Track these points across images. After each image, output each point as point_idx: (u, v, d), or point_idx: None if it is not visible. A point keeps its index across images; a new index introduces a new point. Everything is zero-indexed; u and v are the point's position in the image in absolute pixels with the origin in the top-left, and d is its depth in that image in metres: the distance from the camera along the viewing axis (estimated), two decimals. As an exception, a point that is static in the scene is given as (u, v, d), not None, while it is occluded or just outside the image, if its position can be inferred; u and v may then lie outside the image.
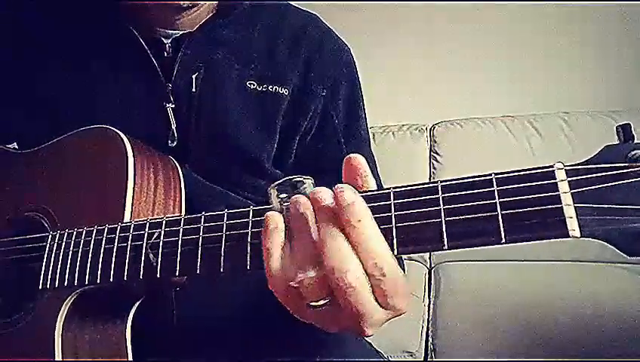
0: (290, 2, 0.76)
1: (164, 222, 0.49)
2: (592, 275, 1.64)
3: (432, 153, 2.10)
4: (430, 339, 1.43)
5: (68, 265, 0.54)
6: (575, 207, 0.34)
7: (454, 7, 2.23)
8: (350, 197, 0.37)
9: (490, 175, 0.37)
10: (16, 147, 0.73)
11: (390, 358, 1.39)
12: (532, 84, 2.19)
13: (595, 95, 2.14)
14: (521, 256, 1.81)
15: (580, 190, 0.35)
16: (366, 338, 0.71)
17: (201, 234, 0.46)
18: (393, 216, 0.39)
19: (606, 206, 0.34)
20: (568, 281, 1.60)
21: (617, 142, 0.36)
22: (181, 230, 0.47)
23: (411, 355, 1.41)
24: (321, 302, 0.39)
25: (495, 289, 1.58)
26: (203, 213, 0.47)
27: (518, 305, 1.45)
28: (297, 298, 0.39)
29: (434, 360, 1.38)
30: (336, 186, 0.38)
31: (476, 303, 1.51)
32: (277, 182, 0.40)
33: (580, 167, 0.35)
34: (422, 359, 1.41)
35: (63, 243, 0.55)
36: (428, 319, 1.52)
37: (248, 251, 0.43)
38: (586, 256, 1.76)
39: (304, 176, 0.40)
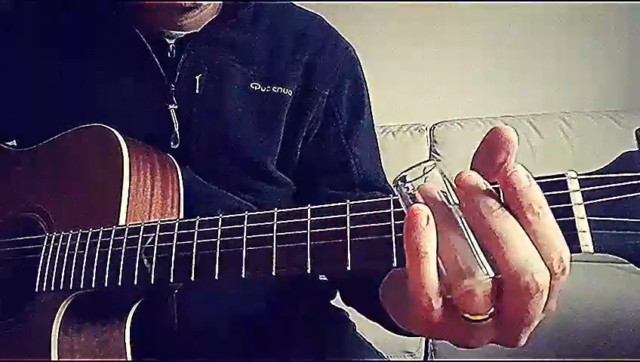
0: (294, 2, 0.76)
1: (158, 226, 0.48)
2: (592, 275, 1.64)
3: (432, 153, 2.10)
4: (430, 339, 1.43)
5: (63, 269, 0.53)
6: (588, 220, 0.31)
7: (455, 8, 2.23)
8: (526, 179, 0.30)
9: (496, 183, 0.33)
10: (15, 144, 0.73)
11: (390, 358, 1.39)
12: (532, 84, 2.19)
13: (595, 95, 2.14)
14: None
15: (594, 201, 0.31)
16: (365, 338, 0.70)
17: (195, 240, 0.45)
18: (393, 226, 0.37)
19: (622, 219, 0.31)
20: (568, 281, 1.59)
21: (635, 150, 0.32)
22: (175, 235, 0.46)
23: (411, 355, 1.41)
24: (485, 316, 0.32)
25: (495, 290, 1.58)
26: (197, 217, 0.46)
27: (518, 306, 1.44)
28: (453, 312, 0.32)
29: (434, 360, 1.38)
30: (508, 166, 0.31)
31: (476, 304, 1.51)
32: (400, 175, 0.32)
33: (594, 176, 0.32)
34: (422, 359, 1.41)
35: (59, 246, 0.54)
36: (428, 319, 1.52)
37: (243, 258, 0.42)
38: (587, 256, 1.75)
39: (432, 160, 0.33)
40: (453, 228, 0.31)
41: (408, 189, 0.32)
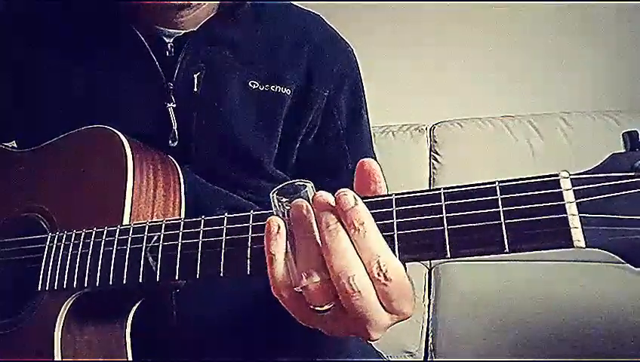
0: (293, 2, 0.76)
1: (163, 225, 0.48)
2: (592, 275, 1.64)
3: (432, 153, 2.10)
4: (430, 339, 1.44)
5: (67, 268, 0.53)
6: (580, 217, 0.34)
7: (455, 8, 2.23)
8: (351, 201, 0.37)
9: (494, 183, 0.37)
10: (15, 146, 0.73)
11: (390, 358, 1.39)
12: (532, 84, 2.19)
13: (595, 95, 2.14)
14: (522, 256, 1.81)
15: (585, 200, 0.34)
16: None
17: (200, 238, 0.46)
18: (395, 223, 0.39)
19: (612, 216, 0.33)
20: (568, 281, 1.60)
21: (624, 151, 0.35)
22: (180, 234, 0.47)
23: (411, 355, 1.41)
24: (326, 307, 0.39)
25: (495, 289, 1.58)
26: (202, 216, 0.47)
27: (518, 305, 1.45)
28: (302, 303, 0.39)
29: (434, 360, 1.38)
30: (338, 190, 0.38)
31: (476, 303, 1.51)
32: (278, 187, 0.40)
33: (585, 176, 0.35)
34: (422, 359, 1.41)
35: (62, 245, 0.55)
36: (428, 319, 1.52)
37: (248, 256, 0.43)
38: (586, 256, 1.76)
39: (304, 180, 0.40)
40: (307, 237, 0.38)
41: (282, 202, 0.39)
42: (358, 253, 0.37)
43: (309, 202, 0.39)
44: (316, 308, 0.39)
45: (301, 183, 0.39)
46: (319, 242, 0.38)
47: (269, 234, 0.39)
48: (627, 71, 2.12)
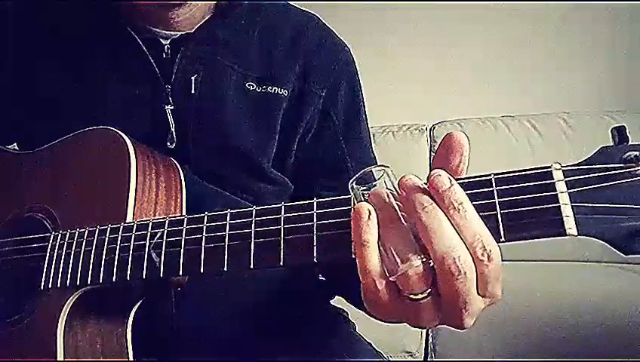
0: (290, 2, 0.76)
1: (166, 222, 0.49)
2: (592, 275, 1.64)
3: (432, 153, 2.10)
4: (430, 339, 1.44)
5: (70, 266, 0.54)
6: (572, 207, 0.35)
7: (454, 7, 2.23)
8: (447, 182, 0.36)
9: (490, 175, 0.38)
10: (17, 148, 0.74)
11: (390, 358, 1.39)
12: (532, 84, 2.20)
13: (595, 95, 2.14)
14: (521, 256, 1.81)
15: (576, 190, 0.36)
16: (365, 338, 0.71)
17: (204, 233, 0.46)
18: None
19: (602, 205, 0.35)
20: (568, 281, 1.60)
21: (612, 144, 0.37)
22: (184, 230, 0.47)
23: (411, 355, 1.41)
24: (424, 294, 0.37)
25: (495, 290, 1.58)
26: (206, 212, 0.47)
27: (519, 305, 1.45)
28: (394, 293, 0.37)
29: (434, 360, 1.39)
30: (432, 171, 0.37)
31: (476, 303, 1.51)
32: (355, 176, 0.38)
33: (576, 167, 0.37)
34: (422, 359, 1.41)
35: (65, 244, 0.55)
36: (428, 319, 1.52)
37: (252, 250, 0.44)
38: (586, 256, 1.76)
39: (383, 165, 0.38)
40: (395, 222, 0.37)
41: (361, 190, 0.38)
42: (458, 234, 0.35)
43: (389, 188, 0.38)
44: (411, 296, 0.37)
45: (379, 169, 0.38)
46: (407, 226, 0.37)
47: (360, 221, 0.37)
48: (627, 71, 2.12)
